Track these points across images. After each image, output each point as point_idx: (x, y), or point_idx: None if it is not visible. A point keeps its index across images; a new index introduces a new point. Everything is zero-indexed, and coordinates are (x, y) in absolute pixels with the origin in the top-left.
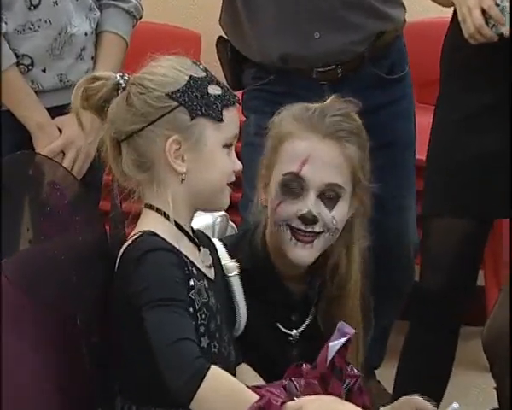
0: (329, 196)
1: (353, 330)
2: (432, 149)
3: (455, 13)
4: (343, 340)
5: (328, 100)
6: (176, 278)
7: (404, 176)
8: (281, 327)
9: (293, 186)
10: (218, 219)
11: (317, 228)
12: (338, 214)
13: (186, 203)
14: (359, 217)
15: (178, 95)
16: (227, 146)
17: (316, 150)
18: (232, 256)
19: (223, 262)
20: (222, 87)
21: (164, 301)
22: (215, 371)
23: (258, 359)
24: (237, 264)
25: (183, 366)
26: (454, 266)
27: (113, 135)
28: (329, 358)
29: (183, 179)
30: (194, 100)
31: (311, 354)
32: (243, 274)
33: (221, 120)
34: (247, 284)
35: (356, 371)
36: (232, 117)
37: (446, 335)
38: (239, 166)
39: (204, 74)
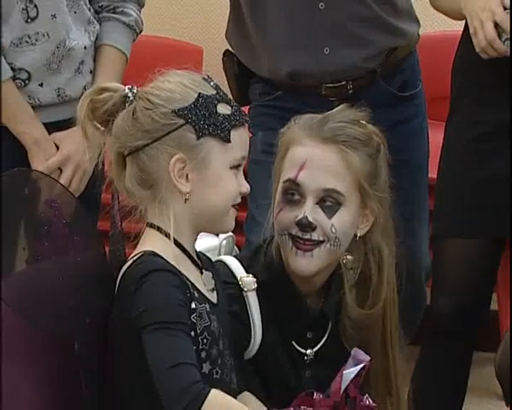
0: (329, 203)
1: (368, 358)
2: (443, 167)
3: (466, 26)
4: (358, 368)
5: (338, 108)
6: (177, 300)
7: (416, 198)
8: (295, 345)
9: (292, 193)
10: (224, 241)
11: (316, 235)
12: (338, 222)
13: (189, 224)
14: (378, 230)
15: (185, 112)
16: (234, 167)
17: (313, 155)
18: (248, 271)
19: (239, 277)
20: (232, 106)
21: (164, 324)
22: (215, 395)
23: (268, 378)
24: (254, 279)
25: (181, 391)
26: (466, 288)
27: (118, 149)
28: (343, 386)
29: (186, 199)
30: (202, 118)
31: (324, 378)
32: (258, 288)
33: (229, 141)
34: (262, 298)
35: (371, 401)
36: (241, 138)
37: (458, 361)
38: (246, 188)
39: (214, 92)
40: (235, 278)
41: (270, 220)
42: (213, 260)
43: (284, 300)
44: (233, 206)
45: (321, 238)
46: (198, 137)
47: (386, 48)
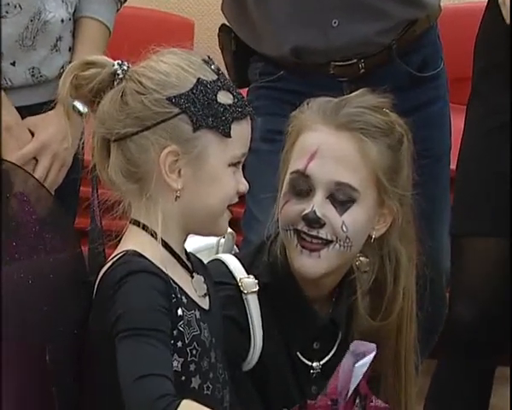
0: (341, 198)
1: (374, 346)
2: (463, 158)
3: None
4: (370, 357)
5: (356, 92)
6: (157, 305)
7: (437, 192)
8: (300, 356)
9: (301, 185)
10: (223, 239)
11: (324, 233)
12: (350, 221)
13: (178, 224)
14: (396, 233)
15: (182, 100)
16: (233, 164)
17: (325, 144)
18: (249, 272)
19: (239, 278)
20: (234, 95)
21: (137, 331)
22: (186, 406)
23: (269, 393)
24: (255, 281)
25: (148, 405)
26: (490, 293)
27: (103, 135)
28: (355, 383)
29: (177, 197)
30: (200, 108)
31: None
32: (260, 291)
33: (229, 136)
34: (264, 303)
35: (381, 402)
36: (243, 132)
37: (480, 376)
38: (245, 186)
39: (215, 78)
40: (234, 278)
41: (275, 216)
42: (210, 259)
43: (289, 305)
44: (228, 207)
45: (329, 237)
46: (194, 130)
47: (403, 20)
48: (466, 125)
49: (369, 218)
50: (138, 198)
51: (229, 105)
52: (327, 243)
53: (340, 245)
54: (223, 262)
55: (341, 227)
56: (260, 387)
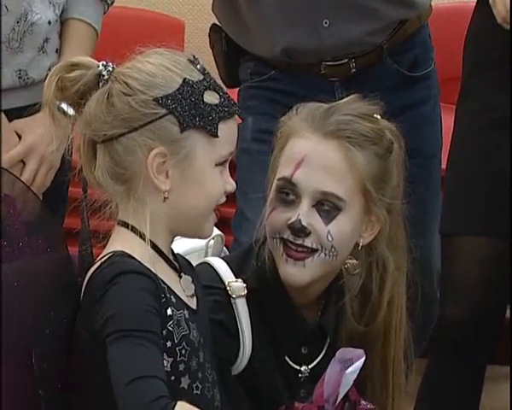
0: (327, 207)
1: (361, 351)
2: (453, 156)
3: None
4: (360, 363)
5: (347, 98)
6: (147, 305)
7: (427, 192)
8: (289, 361)
9: (287, 193)
10: (212, 241)
11: (309, 242)
12: (336, 230)
13: (165, 225)
14: (384, 241)
15: (168, 101)
16: (220, 164)
17: (312, 152)
18: (237, 276)
19: (227, 282)
20: (221, 94)
21: (128, 332)
22: (181, 408)
23: (258, 397)
24: (244, 285)
25: (141, 407)
26: (480, 293)
27: (89, 136)
28: (345, 390)
29: (165, 198)
30: (187, 108)
31: None
32: (249, 295)
33: (216, 136)
34: (252, 307)
35: (369, 405)
36: (229, 132)
37: (471, 375)
38: (232, 186)
39: (201, 78)
40: (222, 282)
41: (264, 219)
42: (199, 261)
43: (277, 310)
44: (215, 210)
45: (314, 246)
46: (182, 130)
47: (394, 20)
48: (456, 124)
49: (356, 226)
50: (126, 200)
51: (216, 105)
52: (312, 251)
53: (325, 254)
54: (211, 266)
55: (327, 236)
56: (250, 389)
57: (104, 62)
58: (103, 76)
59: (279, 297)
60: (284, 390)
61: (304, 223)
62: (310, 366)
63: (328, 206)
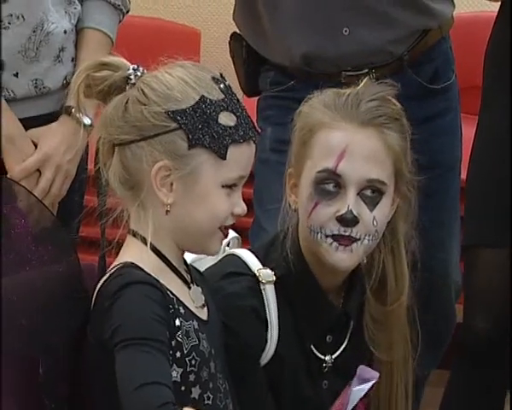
0: (371, 193)
1: (377, 374)
2: (475, 166)
3: (502, 4)
4: (369, 385)
5: (362, 83)
6: (154, 314)
7: (446, 203)
8: (314, 350)
9: (329, 185)
10: (229, 243)
11: (356, 232)
12: (379, 215)
13: (171, 237)
14: (402, 218)
15: (180, 116)
16: (228, 186)
17: (353, 142)
18: (264, 265)
19: (256, 269)
20: (239, 117)
21: (135, 341)
22: None
23: (280, 391)
24: (272, 272)
25: None
26: (505, 305)
27: (105, 137)
28: (351, 405)
29: (167, 211)
30: (199, 126)
31: (341, 390)
32: (276, 283)
33: (224, 158)
34: (278, 295)
35: None
36: (242, 156)
37: (495, 389)
38: (241, 209)
39: (221, 97)
40: (250, 270)
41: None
42: (223, 255)
43: (304, 297)
44: (222, 228)
45: (360, 236)
46: (190, 147)
47: (416, 30)
48: (477, 134)
49: (391, 207)
50: (133, 207)
51: (230, 127)
52: (357, 239)
53: (368, 240)
54: (237, 256)
55: (373, 222)
56: (273, 382)
57: (135, 66)
58: (131, 79)
59: (307, 283)
60: (307, 381)
61: (355, 213)
62: (333, 356)
63: (372, 192)
